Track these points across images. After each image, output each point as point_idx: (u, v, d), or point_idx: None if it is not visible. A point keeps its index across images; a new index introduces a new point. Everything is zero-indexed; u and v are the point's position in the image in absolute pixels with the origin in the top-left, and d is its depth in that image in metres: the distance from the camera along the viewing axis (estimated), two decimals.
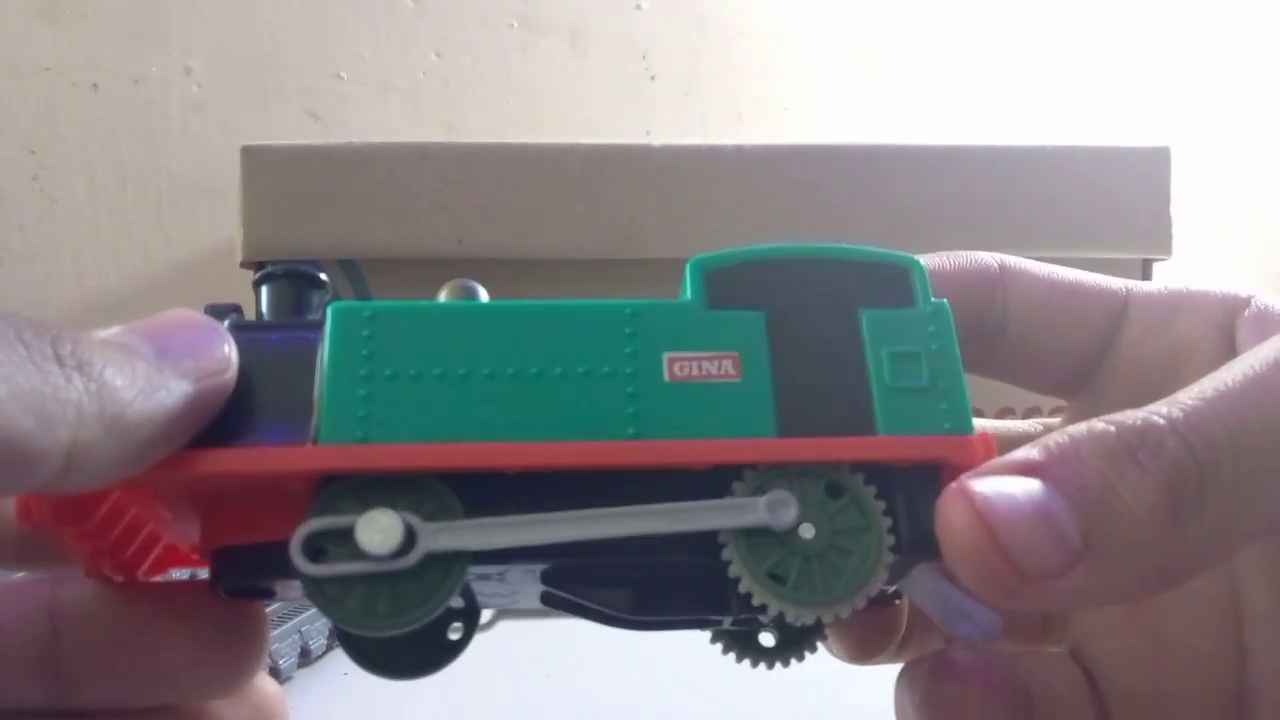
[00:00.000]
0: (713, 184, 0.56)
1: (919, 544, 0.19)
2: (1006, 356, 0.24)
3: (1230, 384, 0.18)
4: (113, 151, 0.75)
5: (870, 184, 0.57)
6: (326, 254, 0.55)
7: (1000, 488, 0.17)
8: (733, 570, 0.18)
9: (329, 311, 0.18)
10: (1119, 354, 0.24)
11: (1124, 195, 0.58)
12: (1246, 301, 0.23)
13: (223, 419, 0.18)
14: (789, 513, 0.18)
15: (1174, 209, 0.59)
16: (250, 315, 0.20)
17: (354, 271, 0.56)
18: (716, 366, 0.18)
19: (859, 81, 0.87)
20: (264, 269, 0.20)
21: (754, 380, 0.18)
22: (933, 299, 0.20)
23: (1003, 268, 0.25)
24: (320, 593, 0.17)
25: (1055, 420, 0.27)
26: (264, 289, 0.20)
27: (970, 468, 0.18)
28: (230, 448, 0.17)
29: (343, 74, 0.78)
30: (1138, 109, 0.90)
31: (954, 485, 0.17)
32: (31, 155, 0.74)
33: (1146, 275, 0.61)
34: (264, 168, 0.54)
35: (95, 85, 0.75)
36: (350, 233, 0.54)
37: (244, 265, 0.56)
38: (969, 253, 0.25)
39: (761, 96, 0.85)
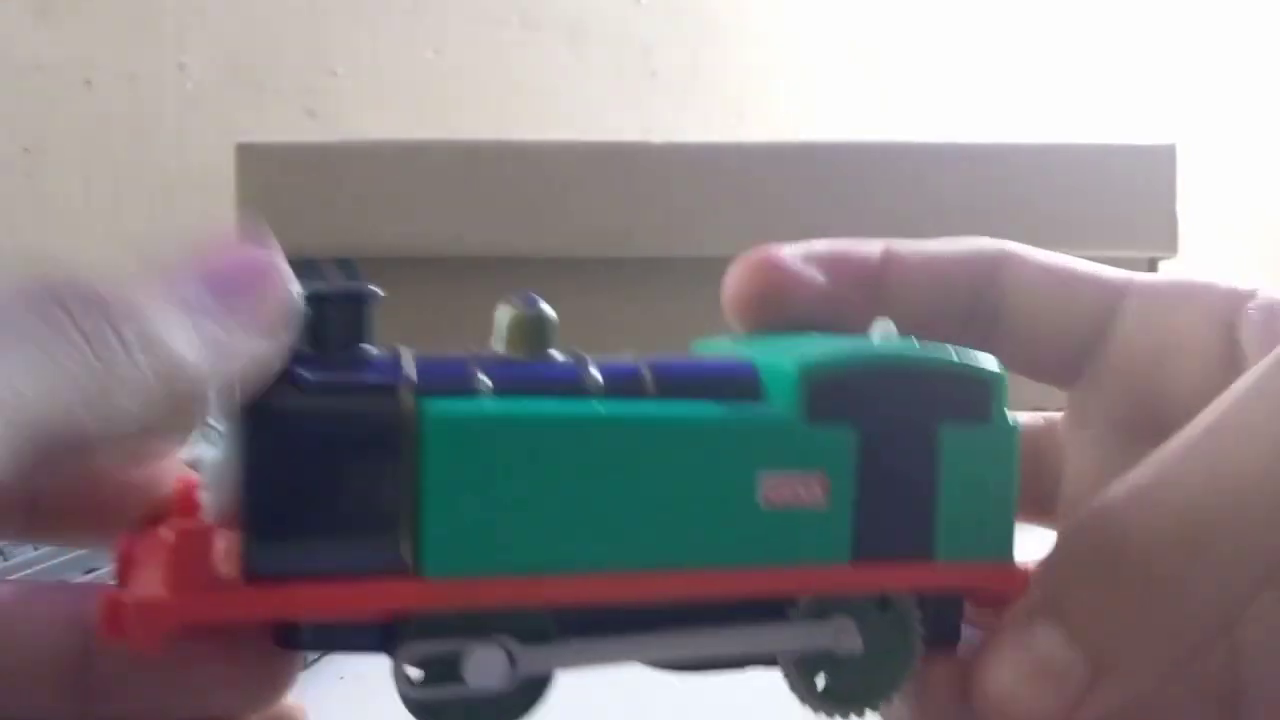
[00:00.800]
0: (713, 181, 0.55)
1: (937, 645, 0.20)
2: (1001, 342, 0.24)
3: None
4: (107, 149, 0.75)
5: (871, 182, 0.56)
6: (322, 252, 0.54)
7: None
8: (784, 676, 0.19)
9: (429, 425, 0.16)
10: (1113, 344, 0.24)
11: (1129, 193, 0.58)
12: (1250, 295, 0.23)
13: (293, 515, 0.16)
14: (854, 642, 0.19)
15: (1180, 207, 0.58)
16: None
17: (350, 270, 0.55)
18: (806, 490, 0.18)
19: (859, 79, 0.87)
20: (303, 274, 0.18)
21: (838, 506, 0.19)
22: (1008, 420, 0.19)
23: (1003, 253, 0.24)
24: (423, 712, 0.17)
25: (1054, 414, 0.27)
26: (308, 311, 0.17)
27: (1007, 595, 0.19)
28: (322, 581, 0.16)
29: (339, 71, 0.78)
30: (1143, 107, 0.90)
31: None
32: (25, 153, 0.74)
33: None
34: (259, 165, 0.54)
35: (89, 82, 0.75)
36: (347, 230, 0.54)
37: None
38: (972, 238, 0.25)
39: (762, 94, 0.85)
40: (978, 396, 0.19)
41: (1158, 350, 0.23)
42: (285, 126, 0.76)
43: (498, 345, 0.19)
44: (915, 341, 0.20)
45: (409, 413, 0.16)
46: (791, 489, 0.18)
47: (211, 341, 0.15)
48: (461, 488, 0.17)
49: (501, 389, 0.18)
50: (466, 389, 0.17)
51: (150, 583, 0.16)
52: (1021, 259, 0.24)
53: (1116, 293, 0.24)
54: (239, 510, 0.16)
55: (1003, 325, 0.24)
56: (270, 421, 0.16)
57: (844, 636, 0.19)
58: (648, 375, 0.19)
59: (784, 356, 0.19)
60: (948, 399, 0.19)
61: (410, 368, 0.17)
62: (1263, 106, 0.92)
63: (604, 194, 0.55)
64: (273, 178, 0.54)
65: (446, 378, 0.17)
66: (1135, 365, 0.23)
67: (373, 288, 0.18)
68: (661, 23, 0.82)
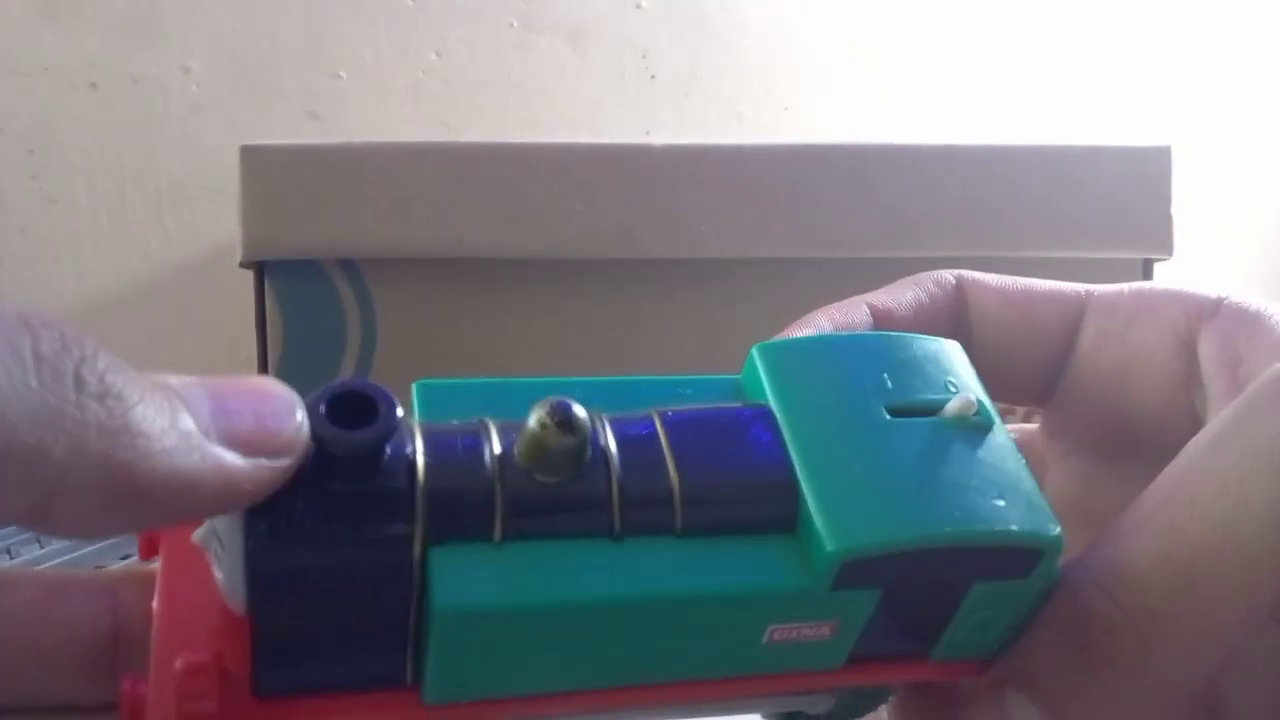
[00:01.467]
0: (713, 184, 0.55)
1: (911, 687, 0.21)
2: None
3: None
4: (112, 151, 0.75)
5: (870, 184, 0.56)
6: (326, 254, 0.55)
7: None
8: None
9: (436, 612, 0.16)
10: (1076, 364, 0.24)
11: (1125, 195, 0.58)
12: (1216, 306, 0.22)
13: (299, 646, 0.16)
14: (826, 705, 0.20)
15: (1175, 209, 0.58)
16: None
17: (353, 271, 0.56)
18: (814, 632, 0.18)
19: (859, 81, 0.87)
20: (323, 396, 0.16)
21: (844, 636, 0.18)
22: (1050, 572, 0.18)
23: (959, 284, 0.24)
24: None
25: (1032, 426, 0.27)
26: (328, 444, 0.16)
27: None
28: (327, 697, 0.16)
29: (342, 73, 0.78)
30: (1138, 108, 0.90)
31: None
32: (30, 155, 0.74)
33: (1147, 275, 0.61)
34: (263, 167, 0.54)
35: (94, 85, 0.75)
36: (349, 232, 0.54)
37: (243, 265, 0.56)
38: (930, 274, 0.25)
39: (761, 96, 0.85)
40: (1026, 561, 0.18)
41: (1119, 370, 0.23)
42: (288, 129, 0.76)
43: (522, 443, 0.17)
44: (993, 414, 0.18)
45: (418, 565, 0.16)
46: (799, 632, 0.18)
47: (180, 432, 0.14)
48: (467, 653, 0.16)
49: (518, 531, 0.16)
50: (480, 529, 0.16)
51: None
52: (979, 286, 0.24)
53: (1075, 310, 0.24)
54: (248, 620, 0.16)
55: (973, 357, 0.24)
56: (277, 565, 0.16)
57: (820, 703, 0.20)
58: (676, 498, 0.17)
59: (832, 475, 0.17)
60: (991, 564, 0.18)
61: (422, 499, 0.16)
62: (1259, 108, 0.92)
63: (604, 196, 0.55)
64: (277, 180, 0.54)
65: (461, 511, 0.16)
66: (1098, 385, 0.23)
67: (395, 414, 0.16)
68: (661, 26, 0.83)
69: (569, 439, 0.16)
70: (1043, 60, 0.89)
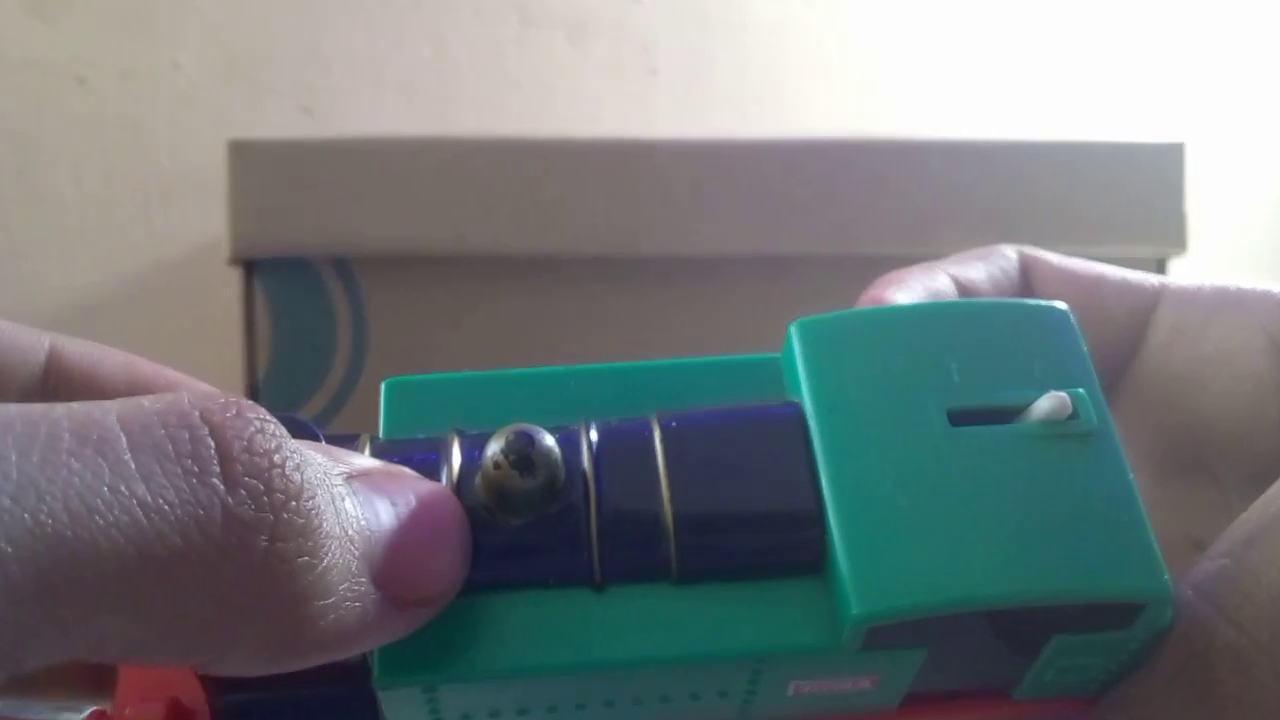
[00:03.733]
0: (714, 179, 0.55)
1: None
2: None
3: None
4: (100, 147, 0.74)
5: (878, 180, 0.56)
6: (318, 252, 0.54)
7: None
8: None
9: (378, 690, 0.14)
10: (1144, 360, 0.21)
11: (1137, 192, 0.58)
12: None
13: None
14: None
15: (1188, 205, 0.58)
16: None
17: (345, 270, 0.55)
18: (851, 685, 0.15)
19: (864, 75, 0.86)
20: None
21: (890, 686, 0.15)
22: (1160, 620, 0.14)
23: (1022, 261, 0.22)
24: None
25: None
26: None
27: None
28: None
29: (335, 68, 0.77)
30: (1151, 105, 0.89)
31: None
32: (18, 151, 0.73)
33: (1161, 273, 0.60)
34: (253, 163, 0.53)
35: (82, 80, 0.74)
36: (343, 230, 0.53)
37: (232, 262, 0.54)
38: (992, 248, 0.23)
39: (763, 90, 0.84)
40: (1123, 616, 0.14)
41: (1194, 370, 0.20)
42: (280, 124, 0.75)
43: (481, 479, 0.14)
44: (1095, 417, 0.14)
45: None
46: (832, 686, 0.14)
47: (357, 589, 0.12)
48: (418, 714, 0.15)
49: (488, 578, 0.14)
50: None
51: None
52: (1043, 266, 0.22)
53: (1147, 301, 0.21)
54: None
55: None
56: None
57: None
58: (671, 536, 0.14)
59: (870, 505, 0.13)
60: (1075, 620, 0.14)
61: None
62: (1273, 104, 0.91)
63: (604, 192, 0.54)
64: (267, 175, 0.53)
65: None
66: (1169, 386, 0.21)
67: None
68: (662, 19, 0.81)
69: (529, 481, 0.14)
70: (1055, 56, 0.88)
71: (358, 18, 0.77)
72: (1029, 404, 0.14)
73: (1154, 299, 0.22)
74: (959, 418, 0.14)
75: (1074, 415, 0.14)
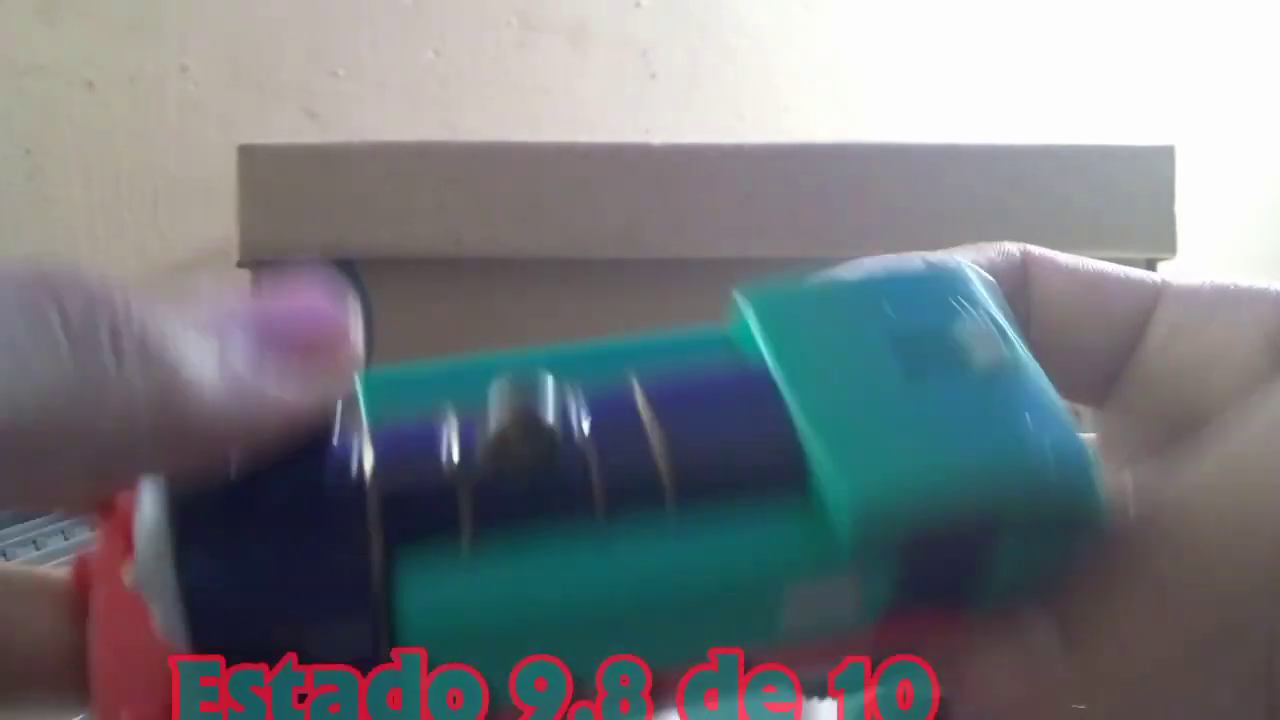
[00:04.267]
0: (713, 183, 0.55)
1: None
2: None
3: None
4: (108, 151, 0.75)
5: (871, 184, 0.56)
6: (323, 254, 0.54)
7: None
8: None
9: (407, 629, 0.15)
10: (1147, 355, 0.21)
11: (1128, 194, 0.58)
12: None
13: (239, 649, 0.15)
14: None
15: (1179, 208, 0.58)
16: None
17: (351, 272, 0.55)
18: (837, 602, 0.16)
19: (859, 80, 0.86)
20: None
21: (869, 595, 0.16)
22: (1097, 512, 0.16)
23: (1025, 258, 0.22)
24: None
25: (1091, 436, 0.25)
26: None
27: None
28: None
29: (340, 72, 0.78)
30: (1141, 108, 0.89)
31: None
32: (27, 154, 0.74)
33: None
34: (261, 167, 0.54)
35: (91, 84, 0.74)
36: (347, 233, 0.54)
37: (240, 265, 0.55)
38: (995, 243, 0.23)
39: (762, 94, 0.85)
40: (1059, 499, 0.16)
41: (1193, 365, 0.21)
42: (286, 128, 0.76)
43: (492, 422, 0.15)
44: (1018, 349, 0.16)
45: (378, 574, 0.14)
46: (820, 606, 0.16)
47: (233, 377, 0.13)
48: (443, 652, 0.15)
49: (488, 522, 0.15)
50: (446, 532, 0.15)
51: None
52: (1046, 263, 0.22)
53: (1148, 298, 0.22)
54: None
55: (1030, 339, 0.22)
56: (219, 599, 0.14)
57: None
58: (664, 471, 0.15)
59: (841, 428, 0.15)
60: (1022, 504, 0.16)
61: (375, 505, 0.15)
62: (1263, 107, 0.92)
63: (604, 195, 0.55)
64: (274, 179, 0.54)
65: (422, 515, 0.15)
66: (1169, 381, 0.21)
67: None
68: (662, 24, 0.82)
69: (538, 447, 0.15)
70: (1045, 59, 0.88)
71: (362, 24, 0.78)
72: (964, 347, 0.16)
73: (1154, 296, 0.22)
74: (912, 364, 0.16)
75: (1000, 351, 0.16)
